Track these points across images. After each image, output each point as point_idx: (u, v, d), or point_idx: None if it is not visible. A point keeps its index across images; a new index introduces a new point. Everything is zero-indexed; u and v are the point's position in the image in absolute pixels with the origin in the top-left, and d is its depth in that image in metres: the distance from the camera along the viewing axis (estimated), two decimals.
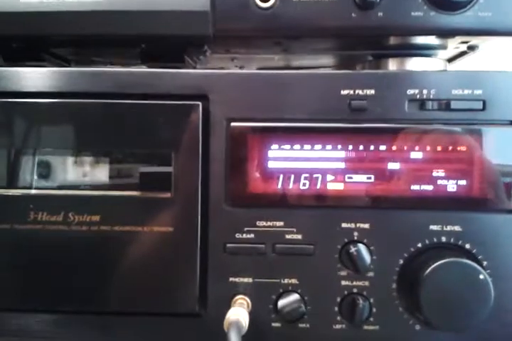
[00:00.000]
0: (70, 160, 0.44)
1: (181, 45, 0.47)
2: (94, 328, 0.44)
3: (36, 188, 0.44)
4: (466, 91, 0.42)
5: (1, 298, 0.43)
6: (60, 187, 0.44)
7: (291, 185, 0.43)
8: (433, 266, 0.39)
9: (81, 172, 0.44)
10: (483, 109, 0.42)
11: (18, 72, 0.43)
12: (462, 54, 0.55)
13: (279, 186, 0.43)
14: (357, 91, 0.43)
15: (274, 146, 0.43)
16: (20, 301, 0.44)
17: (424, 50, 0.49)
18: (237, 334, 0.38)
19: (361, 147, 0.43)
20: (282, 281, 0.43)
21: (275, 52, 0.54)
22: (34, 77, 0.43)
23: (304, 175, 0.43)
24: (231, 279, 0.43)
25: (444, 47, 0.49)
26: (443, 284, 0.39)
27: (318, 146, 0.43)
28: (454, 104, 0.42)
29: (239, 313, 0.40)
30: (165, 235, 0.43)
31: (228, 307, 0.42)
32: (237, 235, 0.43)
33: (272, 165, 0.43)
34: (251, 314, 0.42)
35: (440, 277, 0.39)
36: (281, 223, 0.43)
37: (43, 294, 0.43)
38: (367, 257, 0.42)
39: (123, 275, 0.43)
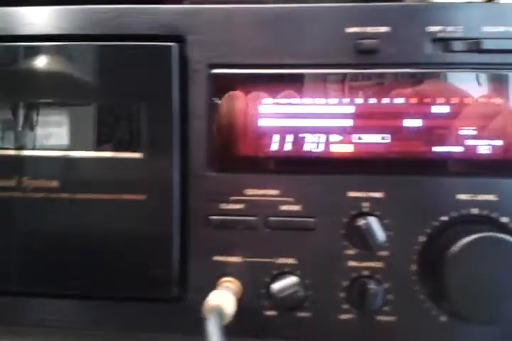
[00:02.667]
0: (22, 115, 0.37)
1: None
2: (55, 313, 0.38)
3: None
4: (500, 28, 0.34)
5: None
6: (11, 148, 0.37)
7: (288, 147, 0.36)
8: (462, 243, 0.32)
9: (37, 130, 0.37)
10: None
11: None
12: None
13: (274, 148, 0.36)
14: (366, 29, 0.35)
15: (267, 100, 0.36)
16: None
17: None
18: (217, 323, 0.31)
19: (373, 100, 0.36)
20: (277, 261, 0.36)
21: None
22: None
23: (302, 135, 0.36)
24: (216, 258, 0.37)
25: None
26: (474, 265, 0.32)
27: (320, 100, 0.36)
28: (486, 44, 0.34)
29: (221, 297, 0.33)
30: (136, 204, 0.36)
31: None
32: (223, 205, 0.36)
33: (263, 122, 0.36)
34: (240, 300, 0.35)
35: (471, 256, 0.32)
36: (276, 191, 0.36)
37: None
38: (379, 233, 0.35)
39: (87, 254, 0.36)
